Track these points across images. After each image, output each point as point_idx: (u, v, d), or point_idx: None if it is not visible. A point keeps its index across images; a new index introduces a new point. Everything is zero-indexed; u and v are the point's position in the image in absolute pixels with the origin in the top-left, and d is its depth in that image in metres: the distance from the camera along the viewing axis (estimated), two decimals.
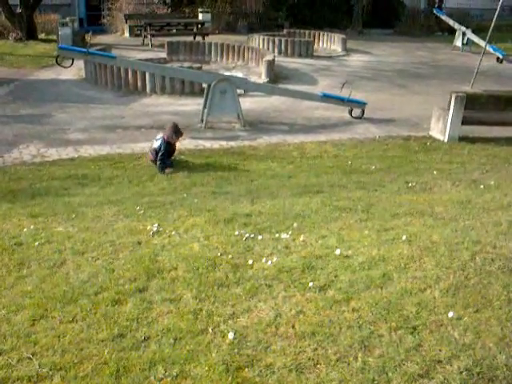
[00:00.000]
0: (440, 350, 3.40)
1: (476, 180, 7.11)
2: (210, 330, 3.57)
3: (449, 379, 3.15)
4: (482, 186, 6.75)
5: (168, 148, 7.84)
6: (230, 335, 3.49)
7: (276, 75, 14.76)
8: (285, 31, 22.87)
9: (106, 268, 4.41)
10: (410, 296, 3.97)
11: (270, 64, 14.57)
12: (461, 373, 3.20)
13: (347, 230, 5.19)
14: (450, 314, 3.75)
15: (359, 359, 3.30)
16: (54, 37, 20.06)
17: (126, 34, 23.64)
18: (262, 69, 14.71)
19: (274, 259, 4.52)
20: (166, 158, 7.83)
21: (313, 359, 3.30)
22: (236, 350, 3.37)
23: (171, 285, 4.14)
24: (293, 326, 3.62)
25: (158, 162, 7.78)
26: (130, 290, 4.04)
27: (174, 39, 18.87)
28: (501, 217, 5.75)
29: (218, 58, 17.65)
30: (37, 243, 4.92)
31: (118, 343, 3.42)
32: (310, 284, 4.11)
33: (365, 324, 3.64)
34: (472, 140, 9.48)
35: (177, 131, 8.05)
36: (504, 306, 3.90)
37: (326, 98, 10.74)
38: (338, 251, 4.64)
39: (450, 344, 3.46)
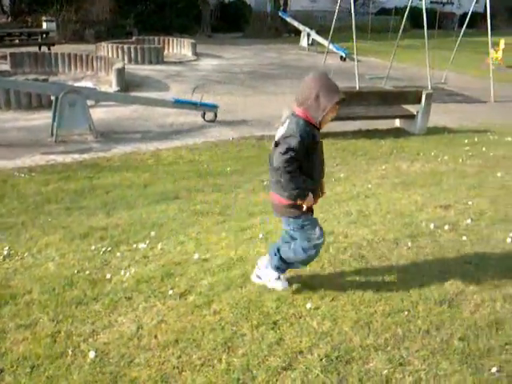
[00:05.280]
0: (300, 341, 3.51)
1: (327, 173, 7.39)
2: (70, 351, 3.43)
3: (310, 368, 3.25)
4: (333, 179, 7.05)
5: (304, 141, 3.70)
6: (91, 354, 3.38)
7: (127, 83, 14.49)
8: (134, 38, 22.54)
9: None
10: (269, 292, 4.05)
11: (120, 72, 14.27)
12: (321, 360, 3.32)
13: (205, 234, 5.21)
14: (308, 305, 3.89)
15: (223, 361, 3.32)
16: None
17: None
18: (112, 77, 14.38)
19: (133, 270, 4.43)
20: (294, 171, 3.60)
21: (177, 367, 3.28)
22: (98, 369, 3.26)
23: (26, 309, 3.92)
24: (155, 337, 3.57)
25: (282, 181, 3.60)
26: None
27: (17, 50, 17.95)
28: (351, 207, 6.06)
29: (66, 69, 16.99)
30: None
31: None
32: (170, 292, 4.08)
33: (227, 325, 3.67)
34: (322, 135, 9.87)
35: (330, 89, 3.59)
36: (357, 291, 4.11)
37: (179, 103, 10.70)
38: (196, 256, 4.65)
39: (310, 334, 3.59)
